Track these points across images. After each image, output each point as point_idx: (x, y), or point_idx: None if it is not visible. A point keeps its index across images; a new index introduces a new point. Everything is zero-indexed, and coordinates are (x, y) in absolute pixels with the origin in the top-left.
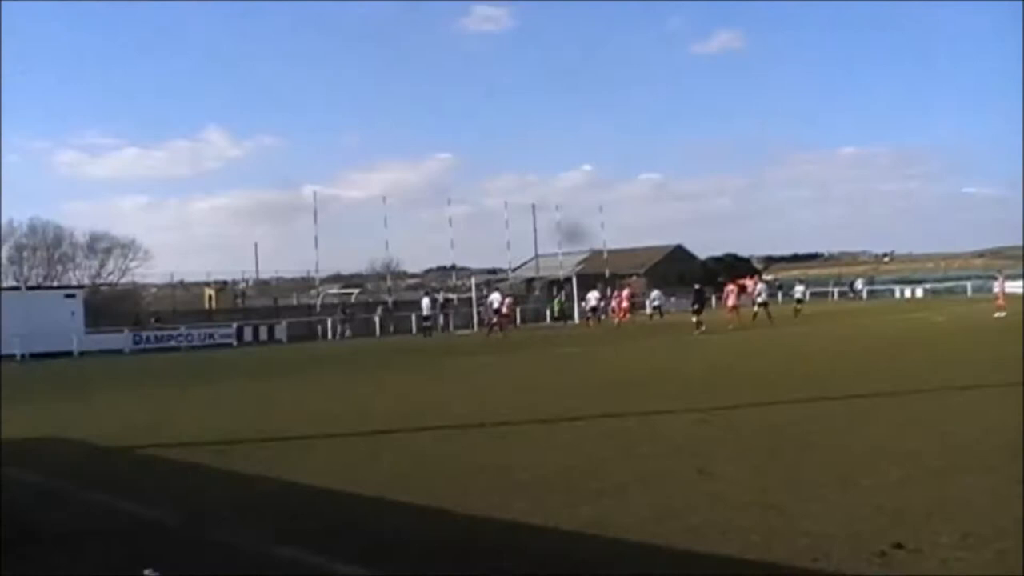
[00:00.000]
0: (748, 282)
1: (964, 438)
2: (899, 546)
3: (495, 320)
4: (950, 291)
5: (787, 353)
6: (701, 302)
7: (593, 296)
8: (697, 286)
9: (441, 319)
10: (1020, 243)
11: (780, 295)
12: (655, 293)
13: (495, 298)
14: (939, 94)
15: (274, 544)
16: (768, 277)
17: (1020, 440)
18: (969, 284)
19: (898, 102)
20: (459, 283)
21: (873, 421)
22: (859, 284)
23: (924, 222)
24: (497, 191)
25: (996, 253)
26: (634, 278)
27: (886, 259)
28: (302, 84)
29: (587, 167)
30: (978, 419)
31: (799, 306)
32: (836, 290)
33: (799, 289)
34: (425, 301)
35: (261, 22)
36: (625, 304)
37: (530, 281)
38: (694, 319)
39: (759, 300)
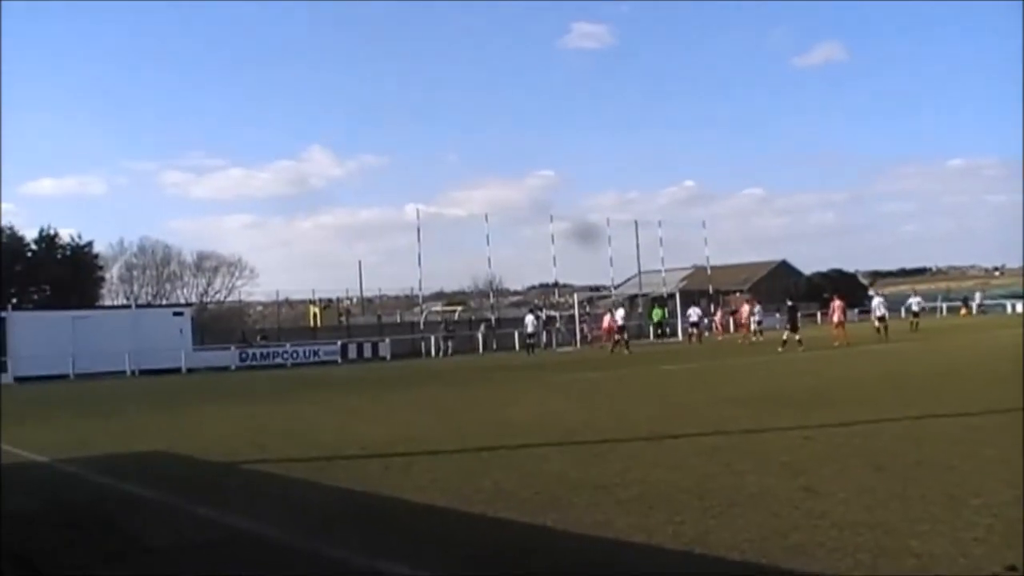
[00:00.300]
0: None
1: None
2: (1013, 568)
3: (618, 337)
4: None
5: (896, 368)
6: (794, 319)
7: (695, 312)
8: (790, 303)
9: (544, 336)
10: None
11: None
12: (756, 309)
13: (620, 314)
14: None
15: (373, 557)
16: (883, 291)
17: None
18: None
19: (1007, 112)
20: (561, 300)
21: (984, 439)
22: (978, 297)
23: None
24: (599, 207)
25: None
26: (738, 294)
27: (997, 273)
28: (404, 103)
29: (689, 182)
30: None
31: (916, 319)
32: (945, 305)
33: (914, 301)
34: (529, 318)
35: (364, 42)
36: (744, 320)
37: (633, 298)
38: (785, 336)
39: (878, 315)
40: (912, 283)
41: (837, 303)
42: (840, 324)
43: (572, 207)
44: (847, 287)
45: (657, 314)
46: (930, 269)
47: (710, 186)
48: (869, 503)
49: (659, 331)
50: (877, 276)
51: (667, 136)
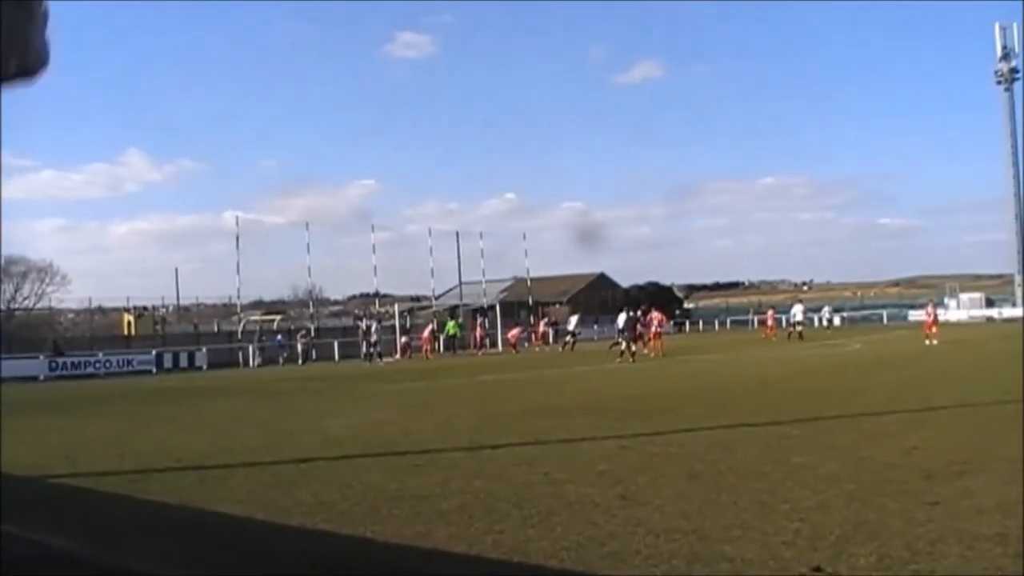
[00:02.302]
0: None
1: (880, 462)
2: (818, 569)
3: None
4: (866, 319)
5: (708, 381)
6: (630, 329)
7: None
8: (630, 312)
9: (364, 346)
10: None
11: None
12: (573, 319)
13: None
14: (853, 126)
15: (186, 571)
16: (689, 306)
17: (933, 463)
18: (885, 312)
19: (815, 134)
20: (383, 310)
21: (791, 447)
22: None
23: (841, 251)
24: (420, 218)
25: (911, 282)
26: (557, 306)
27: (805, 288)
28: (222, 107)
29: (510, 195)
30: (894, 443)
31: (799, 328)
32: (756, 318)
33: (798, 310)
34: (374, 325)
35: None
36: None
37: (454, 308)
38: (622, 347)
39: (797, 320)
40: (725, 296)
41: (655, 315)
42: (657, 336)
43: (393, 217)
44: (663, 299)
45: (451, 327)
46: (743, 283)
47: (531, 199)
48: (684, 510)
49: (450, 344)
50: (692, 289)
51: (489, 149)
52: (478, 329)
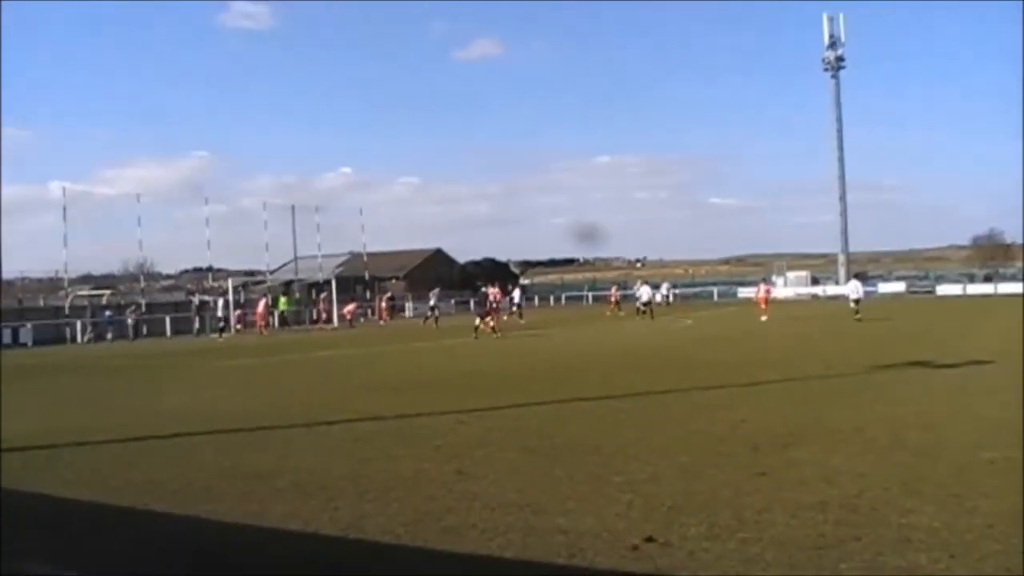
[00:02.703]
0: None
1: (710, 435)
2: (650, 539)
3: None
4: (697, 296)
5: (542, 357)
6: (487, 305)
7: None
8: (483, 289)
9: (197, 322)
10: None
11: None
12: (434, 294)
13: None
14: (689, 108)
15: (10, 559)
16: (525, 282)
17: (760, 435)
18: (716, 290)
19: (652, 113)
20: (216, 285)
21: (624, 421)
22: (643, 295)
23: (675, 230)
24: (256, 191)
25: (740, 260)
26: (394, 281)
27: (638, 265)
28: (50, 73)
29: (347, 169)
30: (724, 416)
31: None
32: (591, 295)
33: (644, 292)
34: (220, 301)
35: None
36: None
37: (289, 284)
38: (478, 323)
39: (641, 301)
40: (560, 273)
41: (492, 291)
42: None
43: (228, 190)
44: (500, 276)
45: (283, 303)
46: (578, 260)
47: (368, 173)
48: (519, 484)
49: (284, 320)
50: (528, 266)
51: (326, 122)
52: (321, 304)
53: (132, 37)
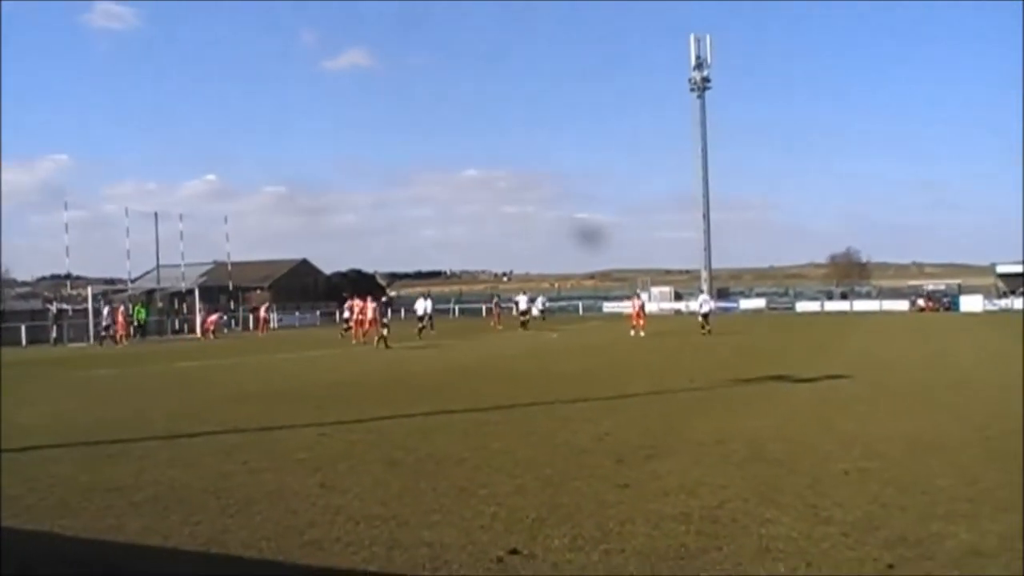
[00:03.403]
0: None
1: (575, 447)
2: (515, 552)
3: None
4: (563, 310)
5: (409, 369)
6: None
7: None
8: (385, 298)
9: (54, 331)
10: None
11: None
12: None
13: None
14: (557, 121)
15: None
16: (392, 293)
17: (624, 448)
18: (581, 304)
19: (520, 128)
20: (75, 292)
21: (490, 433)
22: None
23: (542, 244)
24: (117, 197)
25: (606, 275)
26: (258, 291)
27: (505, 278)
28: None
29: (211, 176)
30: (589, 429)
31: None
32: (458, 307)
33: (523, 300)
34: (105, 308)
35: None
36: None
37: (151, 292)
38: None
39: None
40: (428, 285)
41: (357, 303)
42: (360, 323)
43: (89, 195)
44: (366, 287)
45: (140, 313)
46: (445, 272)
47: (232, 182)
48: (383, 497)
49: (143, 330)
50: (395, 278)
51: (189, 127)
52: (200, 314)
53: None
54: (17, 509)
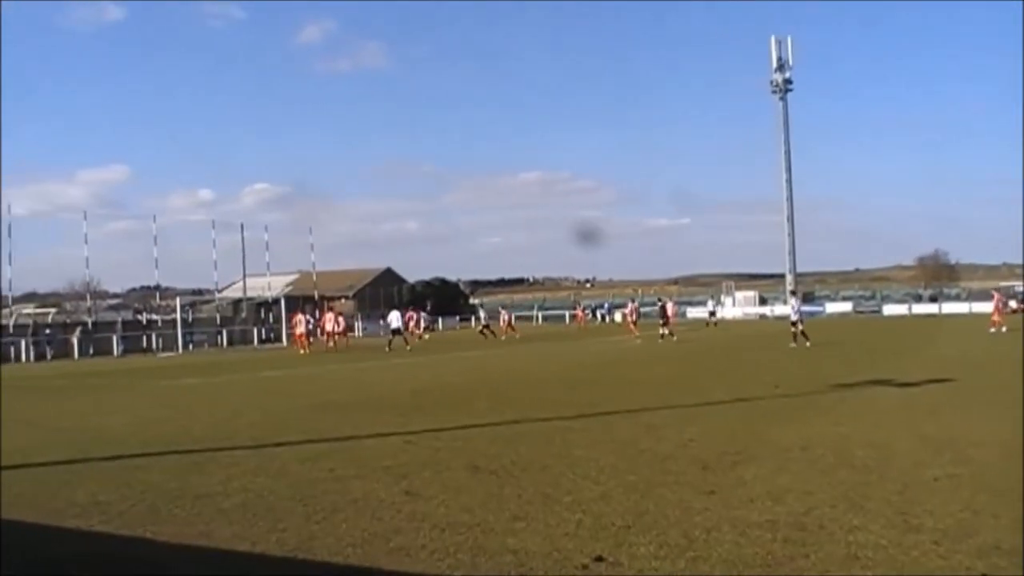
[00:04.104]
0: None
1: (659, 453)
2: (600, 559)
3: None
4: (647, 316)
5: (489, 376)
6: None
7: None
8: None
9: (144, 341)
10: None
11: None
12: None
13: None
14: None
15: None
16: (475, 301)
17: (708, 454)
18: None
19: (581, 130)
20: (163, 303)
21: (573, 440)
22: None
23: (618, 249)
24: (169, 208)
25: (689, 280)
26: (343, 300)
27: (588, 285)
28: None
29: (262, 185)
30: (672, 435)
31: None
32: (541, 314)
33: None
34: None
35: None
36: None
37: (237, 302)
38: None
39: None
40: (511, 292)
41: (411, 313)
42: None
43: (140, 206)
44: (449, 295)
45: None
46: (527, 280)
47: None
48: (468, 504)
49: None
50: (478, 285)
51: (255, 136)
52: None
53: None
54: (109, 515)
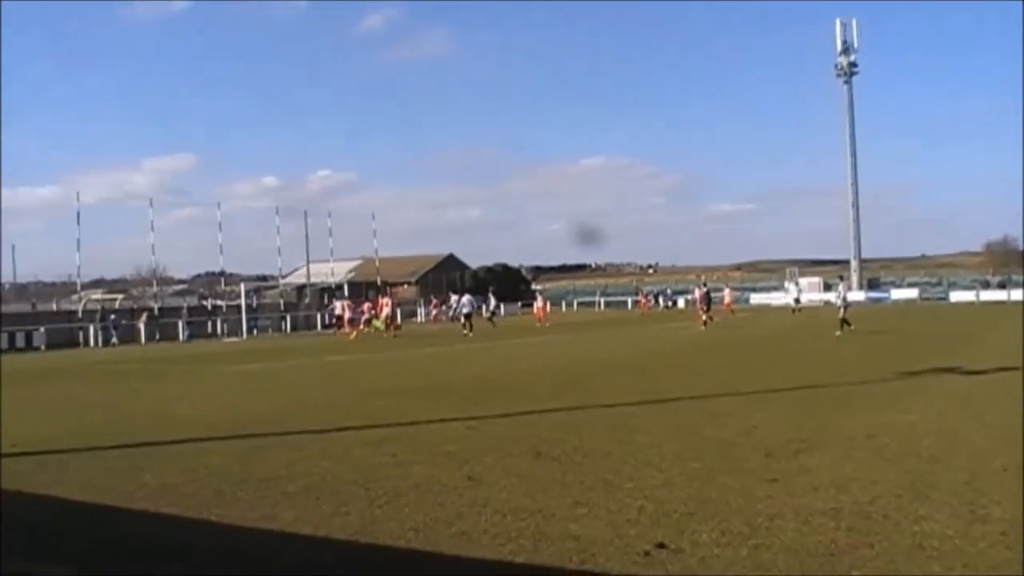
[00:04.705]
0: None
1: (722, 441)
2: (662, 546)
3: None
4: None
5: (552, 363)
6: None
7: (338, 304)
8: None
9: (209, 326)
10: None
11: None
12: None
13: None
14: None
15: (26, 562)
16: (537, 287)
17: (772, 442)
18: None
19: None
20: (228, 289)
21: (635, 427)
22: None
23: (678, 235)
24: (236, 195)
25: (752, 266)
26: (405, 286)
27: (650, 271)
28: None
29: (325, 172)
30: (736, 423)
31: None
32: (603, 300)
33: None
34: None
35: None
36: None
37: (301, 288)
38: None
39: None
40: (572, 279)
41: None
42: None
43: (208, 193)
44: (511, 281)
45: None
46: (589, 266)
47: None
48: (530, 490)
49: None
50: (540, 271)
51: (305, 123)
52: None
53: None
54: (175, 497)
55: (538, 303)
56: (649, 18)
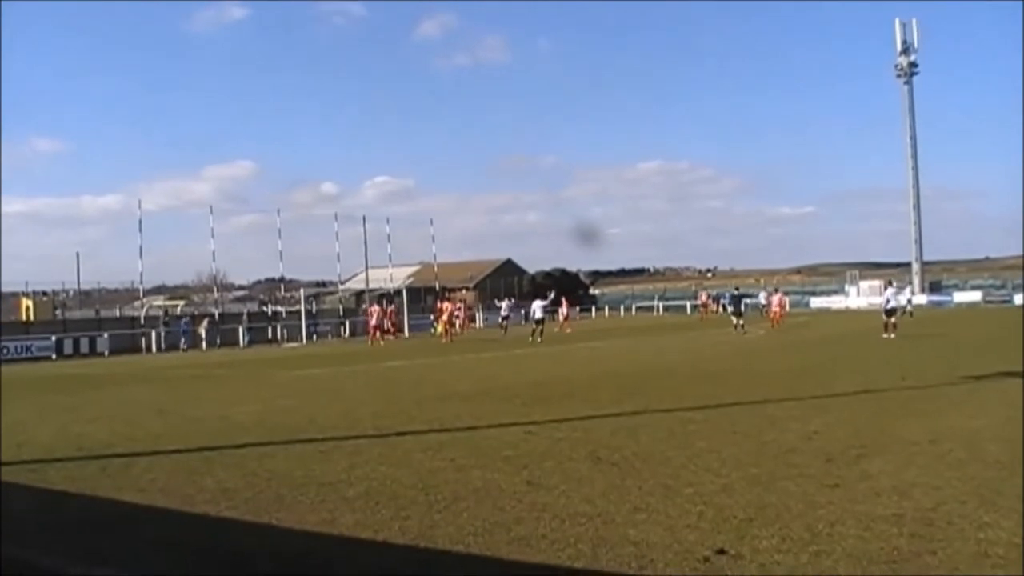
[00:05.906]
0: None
1: (782, 446)
2: (721, 552)
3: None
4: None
5: (611, 368)
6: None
7: (375, 310)
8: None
9: (269, 332)
10: (833, 261)
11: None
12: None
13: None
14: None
15: (90, 564)
16: (595, 292)
17: (833, 447)
18: (787, 299)
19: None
20: (287, 295)
21: (694, 432)
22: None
23: (742, 239)
24: (295, 203)
25: (812, 269)
26: (464, 291)
27: (709, 275)
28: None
29: (382, 178)
30: (796, 428)
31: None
32: (661, 304)
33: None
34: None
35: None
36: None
37: (360, 294)
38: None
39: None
40: (630, 283)
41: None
42: (567, 319)
43: (267, 201)
44: (570, 286)
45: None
46: (647, 270)
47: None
48: (589, 495)
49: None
50: (598, 276)
51: (356, 131)
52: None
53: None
54: (236, 502)
55: (563, 309)
56: (706, 22)
